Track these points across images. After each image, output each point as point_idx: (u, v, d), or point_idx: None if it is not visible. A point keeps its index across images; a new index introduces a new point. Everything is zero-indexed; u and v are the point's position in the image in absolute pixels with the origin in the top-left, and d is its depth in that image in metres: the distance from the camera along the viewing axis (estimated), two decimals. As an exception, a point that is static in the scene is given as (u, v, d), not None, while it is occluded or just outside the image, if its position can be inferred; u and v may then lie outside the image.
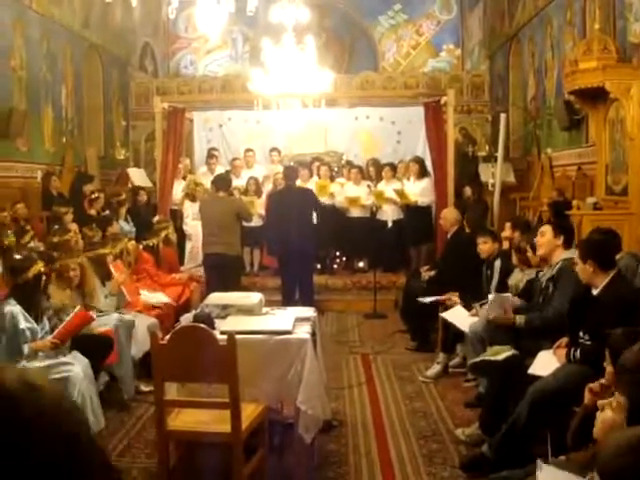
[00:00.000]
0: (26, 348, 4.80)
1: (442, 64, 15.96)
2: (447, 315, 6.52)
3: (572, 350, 4.23)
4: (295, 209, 8.50)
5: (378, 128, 12.03)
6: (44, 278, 5.11)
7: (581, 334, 4.35)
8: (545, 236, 5.19)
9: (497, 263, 6.57)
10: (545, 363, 4.37)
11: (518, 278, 5.94)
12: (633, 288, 4.45)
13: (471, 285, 6.93)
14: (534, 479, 2.94)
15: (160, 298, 7.06)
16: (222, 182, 8.25)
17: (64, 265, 5.75)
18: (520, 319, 5.08)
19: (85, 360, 5.00)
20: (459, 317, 6.23)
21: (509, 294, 5.65)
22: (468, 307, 6.19)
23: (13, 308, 4.79)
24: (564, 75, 8.25)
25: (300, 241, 8.48)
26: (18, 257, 5.22)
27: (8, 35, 9.67)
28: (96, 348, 5.32)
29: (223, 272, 7.71)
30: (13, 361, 4.69)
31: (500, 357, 4.65)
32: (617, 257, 5.20)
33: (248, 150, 11.41)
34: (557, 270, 5.00)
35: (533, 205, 9.98)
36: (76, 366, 4.85)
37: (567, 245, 5.16)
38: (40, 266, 5.04)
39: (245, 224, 9.77)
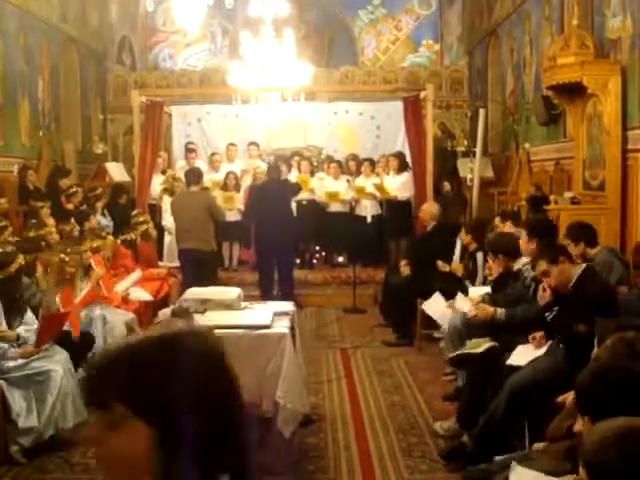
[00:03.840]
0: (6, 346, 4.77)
1: (421, 59, 15.97)
2: (426, 306, 6.57)
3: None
4: (275, 202, 8.48)
5: (357, 123, 12.04)
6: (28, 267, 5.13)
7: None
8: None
9: (479, 255, 6.60)
10: (523, 355, 4.41)
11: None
12: (603, 285, 4.44)
13: (450, 279, 6.99)
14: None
15: (139, 294, 6.99)
16: (192, 176, 8.21)
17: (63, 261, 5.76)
18: (501, 314, 5.06)
19: (64, 352, 4.98)
20: (437, 308, 6.27)
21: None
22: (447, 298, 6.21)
23: None
24: (542, 70, 8.30)
25: (280, 234, 8.45)
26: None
27: (-17, 28, 9.55)
28: (77, 344, 5.29)
29: (198, 267, 7.69)
30: None
31: (479, 350, 4.67)
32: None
33: (231, 144, 11.35)
34: None
35: (511, 200, 10.03)
36: (56, 363, 4.83)
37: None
38: (21, 260, 5.03)
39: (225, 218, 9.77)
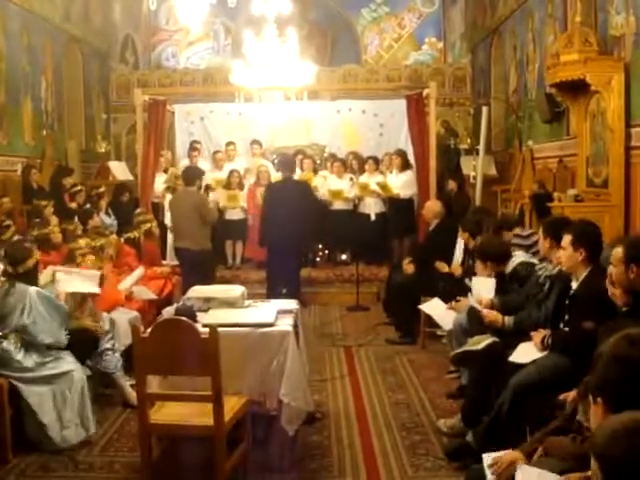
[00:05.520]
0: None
1: (424, 57, 15.96)
2: (425, 307, 6.56)
3: (547, 336, 4.26)
4: (287, 204, 8.42)
5: (360, 121, 12.04)
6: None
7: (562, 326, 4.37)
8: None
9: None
10: (525, 352, 4.39)
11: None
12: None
13: (452, 278, 6.99)
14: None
15: (143, 293, 6.97)
16: (188, 176, 8.25)
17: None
18: (509, 321, 4.94)
19: (73, 358, 5.00)
20: (437, 310, 6.25)
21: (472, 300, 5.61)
22: (447, 300, 6.19)
23: (31, 288, 4.81)
24: (545, 68, 8.29)
25: (289, 237, 8.40)
26: (15, 247, 5.19)
27: (-13, 28, 9.57)
28: (81, 343, 5.29)
29: (193, 266, 7.74)
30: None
31: (479, 346, 4.64)
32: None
33: (229, 144, 11.37)
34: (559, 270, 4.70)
35: (514, 197, 10.02)
36: (74, 364, 4.89)
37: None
38: (37, 254, 5.13)
39: (228, 217, 9.78)
